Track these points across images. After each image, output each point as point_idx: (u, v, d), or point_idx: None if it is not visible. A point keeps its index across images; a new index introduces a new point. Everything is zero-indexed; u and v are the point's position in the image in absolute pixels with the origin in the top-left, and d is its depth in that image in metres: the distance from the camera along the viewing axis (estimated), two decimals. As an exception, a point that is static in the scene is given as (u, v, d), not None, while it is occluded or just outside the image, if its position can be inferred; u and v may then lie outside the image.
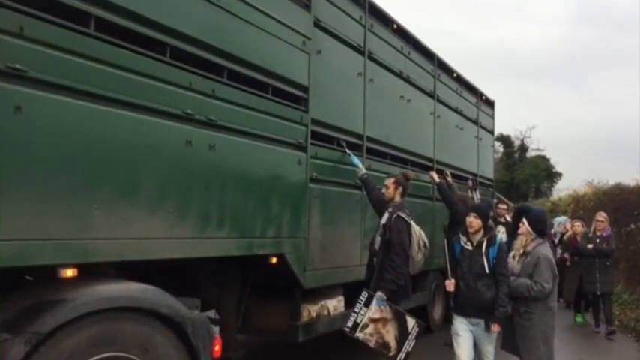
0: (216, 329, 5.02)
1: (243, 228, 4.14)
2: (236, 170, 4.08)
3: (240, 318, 4.92)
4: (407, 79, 7.01)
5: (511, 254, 5.29)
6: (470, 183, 9.63)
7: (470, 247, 4.94)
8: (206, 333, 3.28)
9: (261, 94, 4.36)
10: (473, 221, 4.93)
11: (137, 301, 2.98)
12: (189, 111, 3.63)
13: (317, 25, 5.10)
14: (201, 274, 4.80)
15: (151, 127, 3.37)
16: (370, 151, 6.14)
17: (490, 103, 10.94)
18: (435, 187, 7.56)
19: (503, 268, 4.91)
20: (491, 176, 11.23)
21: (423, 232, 5.49)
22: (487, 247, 4.89)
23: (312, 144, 5.02)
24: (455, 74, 8.90)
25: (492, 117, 11.09)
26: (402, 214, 5.26)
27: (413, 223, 5.38)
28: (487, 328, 4.85)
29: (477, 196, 9.16)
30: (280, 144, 4.56)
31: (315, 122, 5.07)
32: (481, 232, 4.94)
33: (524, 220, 5.36)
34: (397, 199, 5.41)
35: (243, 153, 4.14)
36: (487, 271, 4.82)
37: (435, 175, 7.50)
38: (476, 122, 9.93)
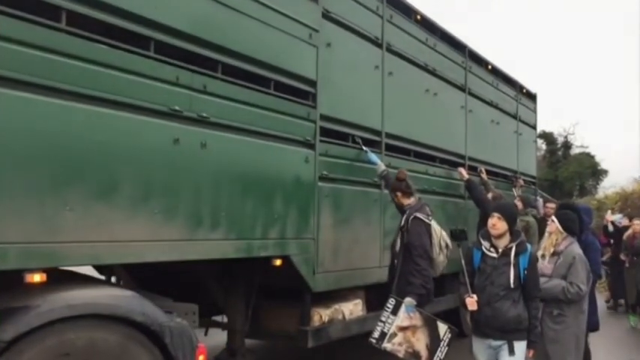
0: (224, 336, 4.91)
1: (242, 229, 3.96)
2: (232, 169, 3.90)
3: (247, 322, 4.75)
4: (433, 72, 6.69)
5: (539, 253, 4.93)
6: (520, 181, 9.24)
7: (494, 255, 4.16)
8: (187, 342, 3.10)
9: (260, 89, 4.17)
10: (496, 223, 4.15)
11: (108, 308, 2.83)
12: (176, 107, 3.47)
13: (326, 16, 4.86)
14: (208, 277, 4.66)
15: (131, 124, 3.23)
16: (390, 148, 5.85)
17: (531, 96, 10.43)
18: (464, 184, 7.20)
19: (537, 282, 4.26)
20: (534, 173, 10.71)
21: (444, 233, 5.18)
22: (516, 255, 4.12)
23: (321, 141, 4.79)
24: (490, 66, 8.49)
25: (534, 111, 10.58)
26: (420, 215, 4.96)
27: (433, 223, 5.09)
28: (512, 352, 4.12)
29: (517, 194, 8.73)
30: (283, 141, 4.36)
31: (324, 118, 4.84)
32: (507, 237, 4.17)
33: (553, 218, 5.03)
34: (407, 201, 5.11)
35: (240, 151, 3.96)
36: (513, 284, 4.08)
37: (464, 171, 7.14)
38: (515, 116, 9.47)
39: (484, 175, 7.85)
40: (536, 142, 11.16)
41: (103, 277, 5.02)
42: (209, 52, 3.75)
